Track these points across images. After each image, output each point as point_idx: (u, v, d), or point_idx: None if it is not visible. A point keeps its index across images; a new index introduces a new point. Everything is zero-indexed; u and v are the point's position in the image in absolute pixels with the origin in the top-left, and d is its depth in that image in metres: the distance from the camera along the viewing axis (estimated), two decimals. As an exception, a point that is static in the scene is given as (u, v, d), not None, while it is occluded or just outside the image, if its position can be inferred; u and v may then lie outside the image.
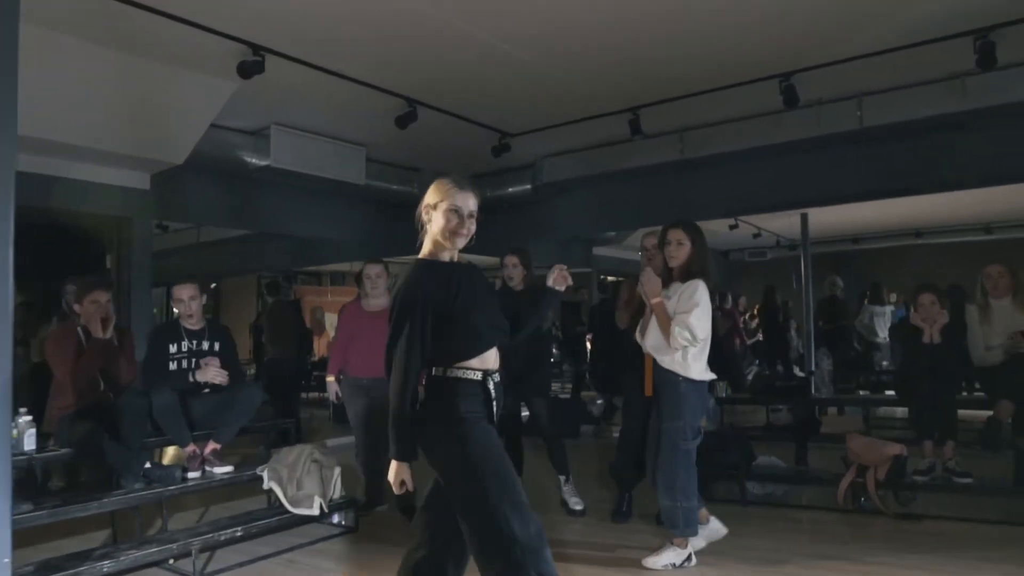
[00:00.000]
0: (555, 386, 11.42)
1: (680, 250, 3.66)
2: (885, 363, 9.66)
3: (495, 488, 2.20)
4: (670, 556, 3.61)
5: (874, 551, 3.82)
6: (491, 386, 2.35)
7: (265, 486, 4.20)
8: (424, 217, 2.43)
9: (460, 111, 6.12)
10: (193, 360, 4.28)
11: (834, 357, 7.50)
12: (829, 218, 10.35)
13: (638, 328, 3.86)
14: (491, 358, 2.39)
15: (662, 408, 3.69)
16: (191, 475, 4.09)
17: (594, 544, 4.04)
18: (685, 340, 3.49)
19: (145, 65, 4.92)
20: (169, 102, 5.24)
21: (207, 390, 4.30)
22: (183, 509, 4.96)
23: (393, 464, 2.30)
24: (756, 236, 11.96)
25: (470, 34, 4.57)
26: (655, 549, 3.72)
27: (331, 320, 10.92)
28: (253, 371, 9.97)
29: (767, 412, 7.07)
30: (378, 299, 4.78)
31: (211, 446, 4.22)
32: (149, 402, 3.91)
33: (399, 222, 8.55)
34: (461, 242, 2.40)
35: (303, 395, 9.49)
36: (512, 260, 4.46)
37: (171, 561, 3.69)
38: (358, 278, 5.09)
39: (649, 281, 3.51)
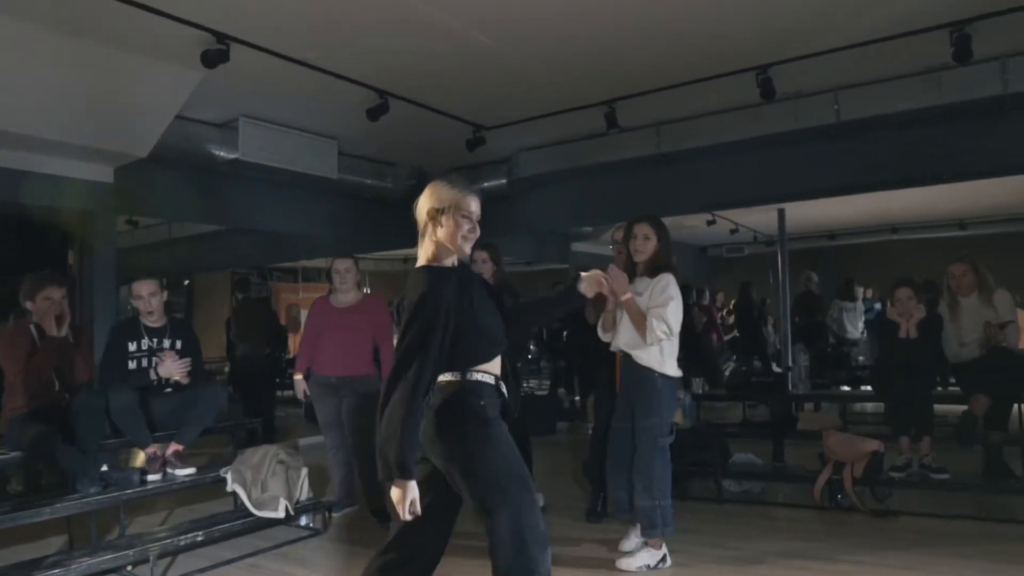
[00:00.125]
0: (532, 383, 11.38)
1: (647, 244, 3.64)
2: (862, 358, 9.70)
3: (516, 489, 2.19)
4: (645, 557, 3.54)
5: (850, 549, 3.77)
6: (503, 388, 2.35)
7: (229, 488, 4.08)
8: (429, 222, 2.32)
9: (433, 103, 6.00)
10: (153, 359, 4.12)
11: (810, 352, 7.49)
12: (806, 214, 10.38)
13: (599, 325, 3.80)
14: (499, 360, 2.38)
15: (637, 406, 3.62)
16: (151, 477, 3.95)
17: (568, 544, 3.94)
18: (663, 333, 3.48)
19: (106, 53, 4.74)
20: (131, 92, 5.06)
21: (169, 389, 4.16)
22: (148, 512, 4.82)
23: (401, 485, 2.09)
24: (734, 232, 11.97)
25: (442, 23, 4.46)
26: (630, 551, 3.65)
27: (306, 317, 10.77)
28: (228, 369, 9.82)
29: (743, 408, 7.05)
30: (347, 295, 4.67)
31: (172, 447, 4.08)
32: (105, 402, 3.76)
33: (373, 217, 8.57)
34: (469, 247, 2.35)
35: (278, 393, 9.33)
36: (482, 255, 4.36)
37: (129, 568, 3.55)
38: (329, 274, 4.97)
39: (617, 278, 3.45)
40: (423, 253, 2.35)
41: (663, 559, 3.56)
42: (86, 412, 3.68)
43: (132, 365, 4.10)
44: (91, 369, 4.07)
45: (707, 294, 10.52)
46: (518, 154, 7.41)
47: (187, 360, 4.14)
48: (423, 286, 2.20)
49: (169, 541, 3.60)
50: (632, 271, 3.66)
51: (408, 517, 2.10)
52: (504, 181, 7.58)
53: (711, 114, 6.28)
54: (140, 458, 4.78)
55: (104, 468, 3.79)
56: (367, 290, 13.34)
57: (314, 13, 4.34)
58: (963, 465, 4.63)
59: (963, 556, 3.60)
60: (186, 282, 14.44)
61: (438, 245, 2.32)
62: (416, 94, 5.76)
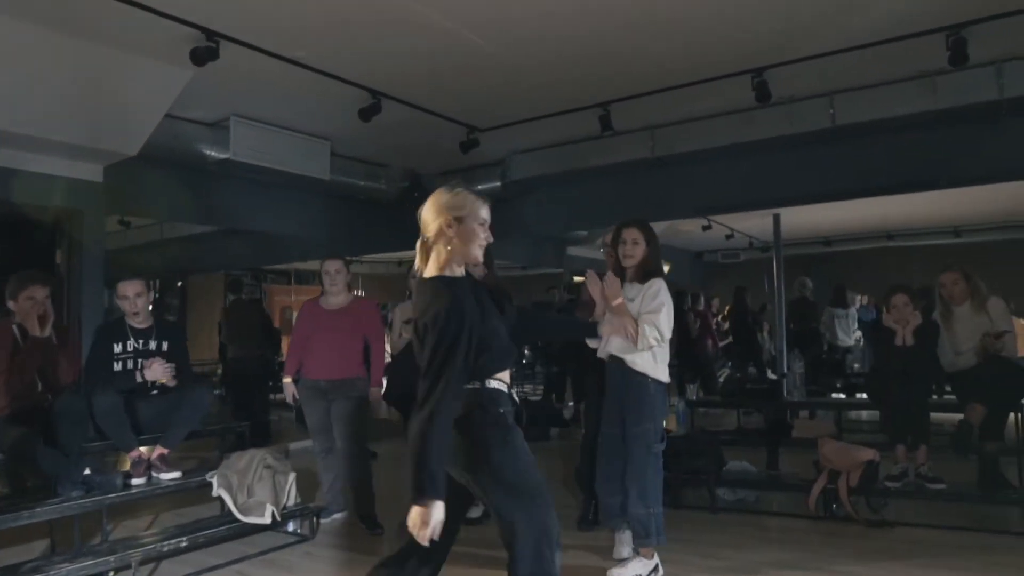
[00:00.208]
0: (527, 387, 11.32)
1: (636, 249, 3.60)
2: (856, 366, 9.65)
3: (536, 495, 2.20)
4: (637, 567, 3.47)
5: (845, 559, 3.72)
6: (514, 395, 2.36)
7: (214, 493, 4.00)
8: (446, 230, 2.24)
9: (427, 104, 5.95)
10: (139, 360, 4.05)
11: (804, 359, 7.46)
12: (801, 220, 10.36)
13: None
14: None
15: (628, 411, 3.56)
16: (136, 481, 3.88)
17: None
18: (655, 339, 3.43)
19: (94, 50, 4.68)
20: (120, 89, 5.00)
21: (155, 392, 4.09)
22: (135, 516, 4.74)
23: (428, 505, 1.99)
24: (729, 237, 11.94)
25: (436, 23, 4.41)
26: (621, 560, 3.60)
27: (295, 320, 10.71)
28: (221, 371, 9.74)
29: (738, 415, 7.00)
30: (337, 297, 4.60)
31: (158, 451, 4.01)
32: (88, 404, 3.69)
33: (367, 219, 8.51)
34: (482, 255, 2.32)
35: (272, 396, 9.24)
36: (474, 258, 4.29)
37: (111, 574, 3.47)
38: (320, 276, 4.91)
39: (611, 284, 3.41)
40: (435, 262, 2.27)
41: (655, 569, 3.50)
42: (68, 414, 3.61)
43: (117, 367, 4.03)
44: (75, 370, 4.00)
45: (702, 299, 10.48)
46: (512, 156, 7.36)
47: (173, 365, 4.06)
48: (445, 299, 2.13)
49: (152, 547, 3.53)
50: (620, 276, 3.61)
51: (427, 542, 2.02)
52: (498, 184, 7.52)
53: (706, 117, 6.25)
54: (128, 461, 4.72)
55: (87, 471, 3.70)
56: (361, 292, 13.34)
57: (306, 11, 4.29)
58: (960, 475, 4.57)
59: (958, 568, 3.55)
60: (179, 283, 14.35)
61: (451, 253, 2.25)
62: (409, 95, 5.71)
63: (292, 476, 4.25)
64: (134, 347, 4.08)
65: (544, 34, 4.67)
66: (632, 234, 3.61)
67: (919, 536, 4.10)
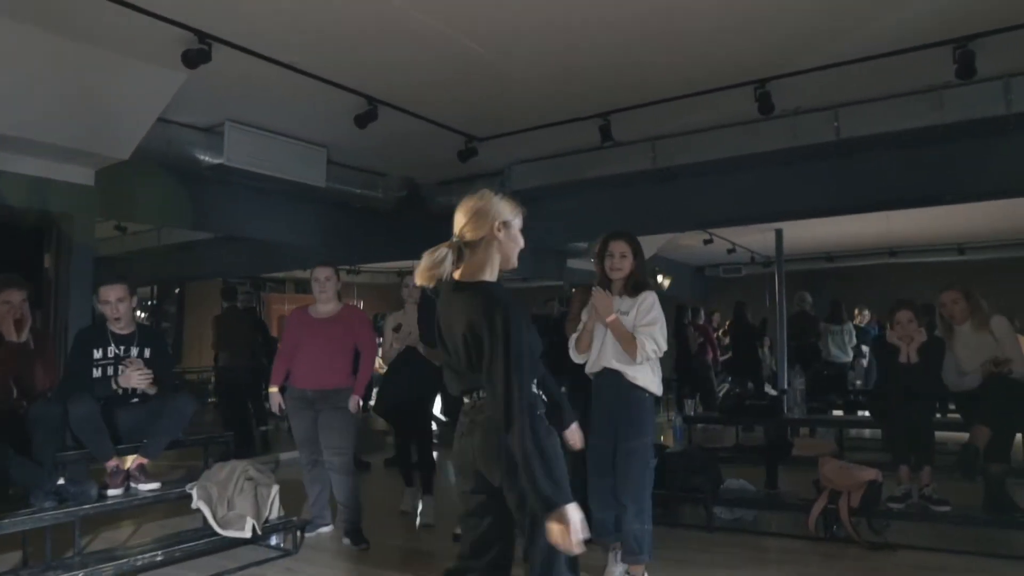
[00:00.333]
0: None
1: (624, 262, 3.54)
2: (859, 383, 9.51)
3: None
4: (628, 587, 3.35)
5: (845, 584, 3.59)
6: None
7: (193, 505, 3.88)
8: (496, 235, 2.20)
9: (425, 112, 5.86)
10: (120, 367, 3.94)
11: (805, 375, 7.32)
12: (803, 235, 10.26)
13: (572, 346, 3.66)
14: None
15: (626, 426, 3.45)
16: (112, 492, 3.75)
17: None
18: (654, 352, 3.39)
19: (85, 51, 4.59)
20: (112, 92, 4.91)
21: (135, 399, 3.97)
22: (114, 528, 4.61)
23: (561, 512, 1.92)
24: (731, 252, 11.85)
25: (435, 30, 4.32)
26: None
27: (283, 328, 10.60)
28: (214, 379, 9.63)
29: (737, 432, 6.86)
30: (327, 304, 4.50)
31: (137, 460, 3.88)
32: (64, 411, 3.58)
33: (364, 228, 8.41)
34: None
35: (267, 405, 9.10)
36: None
37: (83, 588, 3.35)
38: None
39: (602, 300, 3.32)
40: (480, 266, 2.20)
41: (647, 588, 3.38)
42: (43, 422, 3.50)
43: (97, 373, 3.91)
44: (52, 377, 3.89)
45: (702, 313, 10.37)
46: (511, 167, 7.26)
47: (150, 371, 3.94)
48: (502, 305, 2.06)
49: (125, 561, 3.41)
50: (606, 288, 3.53)
51: (578, 548, 1.92)
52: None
53: (708, 129, 6.15)
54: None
55: (61, 482, 3.59)
56: (360, 303, 13.23)
57: (301, 15, 4.21)
58: (965, 497, 4.44)
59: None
60: (177, 290, 14.25)
61: (500, 259, 2.23)
62: (407, 102, 5.62)
63: (275, 488, 4.13)
64: (115, 353, 3.96)
65: (545, 43, 4.59)
66: (620, 247, 3.55)
67: (922, 560, 3.96)
